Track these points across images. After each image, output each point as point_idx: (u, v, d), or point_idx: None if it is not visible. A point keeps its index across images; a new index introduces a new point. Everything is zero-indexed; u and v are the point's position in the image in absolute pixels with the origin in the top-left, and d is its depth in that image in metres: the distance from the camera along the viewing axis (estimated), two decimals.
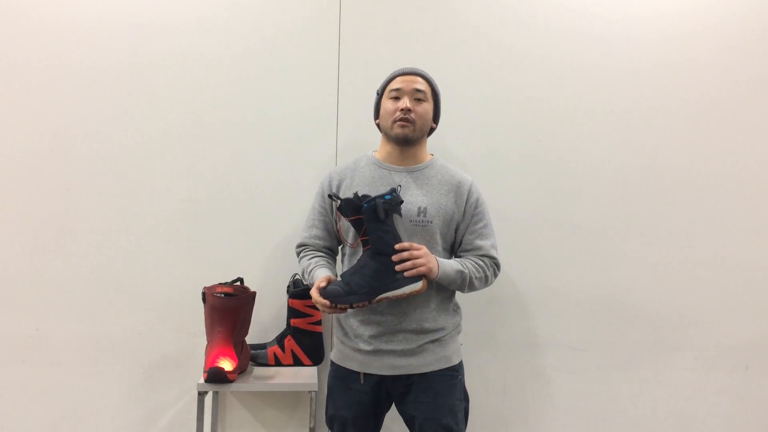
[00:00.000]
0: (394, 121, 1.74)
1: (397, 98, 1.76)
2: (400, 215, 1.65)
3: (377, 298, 1.62)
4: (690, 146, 2.27)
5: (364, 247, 1.64)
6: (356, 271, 1.63)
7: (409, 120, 1.73)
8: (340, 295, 1.61)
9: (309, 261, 1.80)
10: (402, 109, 1.73)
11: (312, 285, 1.69)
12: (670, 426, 2.25)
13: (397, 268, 1.59)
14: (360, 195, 1.64)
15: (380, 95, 1.82)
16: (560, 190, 2.24)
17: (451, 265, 1.69)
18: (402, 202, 1.65)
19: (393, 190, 1.63)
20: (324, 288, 1.62)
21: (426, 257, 1.62)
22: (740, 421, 2.26)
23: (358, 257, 1.70)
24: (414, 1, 2.24)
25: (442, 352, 1.74)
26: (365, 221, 1.60)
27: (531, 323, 2.24)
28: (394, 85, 1.78)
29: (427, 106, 1.77)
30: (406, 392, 1.74)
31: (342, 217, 1.67)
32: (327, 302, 1.60)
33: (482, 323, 2.20)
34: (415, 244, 1.63)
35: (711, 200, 2.27)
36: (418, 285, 1.63)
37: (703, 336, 2.26)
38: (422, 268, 1.60)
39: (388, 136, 1.79)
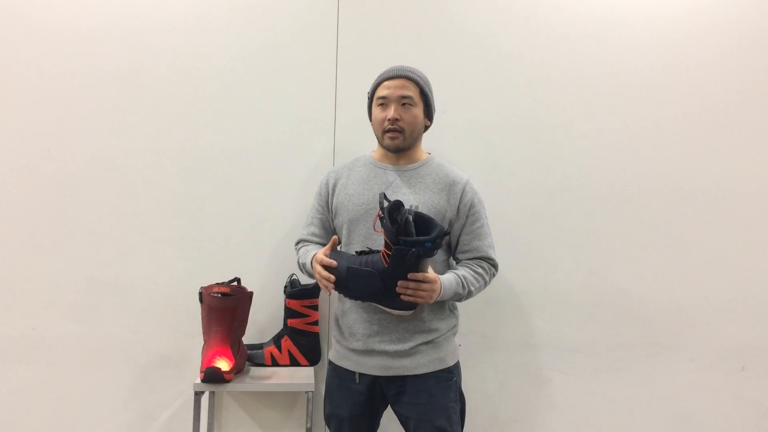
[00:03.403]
0: (384, 131, 1.74)
1: (384, 105, 1.74)
2: (432, 256, 1.58)
3: (366, 302, 1.68)
4: (686, 148, 2.28)
5: (383, 256, 1.58)
6: (360, 274, 1.61)
7: (398, 129, 1.73)
8: (336, 281, 1.64)
9: (306, 248, 1.84)
10: (389, 119, 1.72)
11: (309, 263, 1.74)
12: (666, 427, 2.25)
13: (398, 289, 1.58)
14: (408, 214, 1.50)
15: (371, 99, 1.81)
16: (557, 192, 2.24)
17: (451, 287, 1.68)
18: (440, 247, 1.58)
19: (440, 234, 1.52)
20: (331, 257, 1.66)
21: (430, 293, 1.61)
22: (736, 423, 2.27)
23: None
24: (412, 3, 2.24)
25: (436, 353, 1.74)
26: (393, 255, 1.53)
27: (528, 324, 2.24)
28: (380, 91, 1.75)
29: (416, 111, 1.75)
30: (400, 393, 1.74)
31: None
32: (331, 277, 1.63)
33: (479, 324, 2.21)
34: (430, 276, 1.60)
35: (707, 202, 2.27)
36: (407, 313, 1.66)
37: (699, 337, 2.26)
38: (419, 300, 1.61)
39: (381, 144, 1.80)
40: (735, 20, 2.29)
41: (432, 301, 1.64)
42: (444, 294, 1.66)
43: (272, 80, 2.19)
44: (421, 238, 1.50)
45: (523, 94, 2.25)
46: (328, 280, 1.64)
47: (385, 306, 1.65)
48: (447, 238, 1.77)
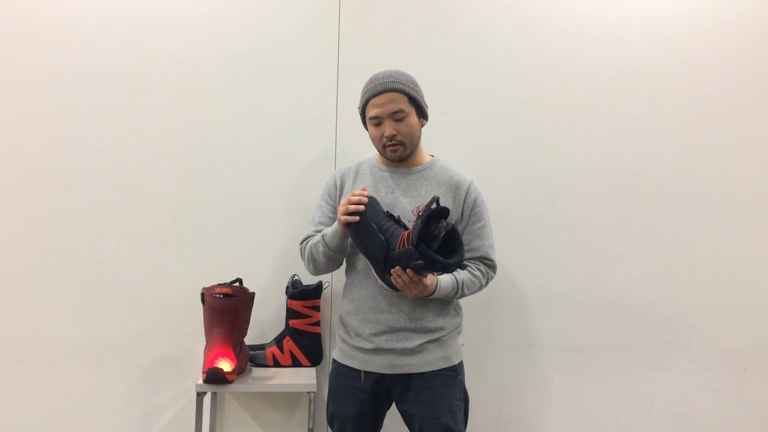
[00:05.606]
0: (384, 146, 1.76)
1: (378, 123, 1.74)
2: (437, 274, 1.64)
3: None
4: (688, 148, 2.28)
5: (402, 238, 1.57)
6: (373, 234, 1.58)
7: (398, 143, 1.74)
8: (358, 221, 1.62)
9: (317, 235, 1.80)
10: (387, 136, 1.72)
11: (321, 238, 1.73)
12: (667, 427, 2.25)
13: (392, 273, 1.59)
14: (444, 229, 1.49)
15: (362, 113, 1.80)
16: (559, 192, 2.25)
17: (446, 289, 1.69)
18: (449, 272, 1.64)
19: (456, 264, 1.54)
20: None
21: (418, 294, 1.63)
22: (738, 423, 2.27)
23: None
24: (413, 3, 2.25)
25: (442, 352, 1.75)
26: (404, 251, 1.52)
27: (530, 325, 2.24)
28: (371, 110, 1.73)
29: (411, 120, 1.74)
30: (405, 391, 1.74)
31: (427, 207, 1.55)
32: (360, 207, 1.62)
33: (481, 324, 2.21)
34: (426, 281, 1.61)
35: (709, 203, 2.27)
36: (393, 291, 1.69)
37: (700, 338, 2.26)
38: (405, 292, 1.62)
39: (383, 156, 1.81)
40: (735, 18, 2.29)
41: (418, 296, 1.66)
42: (437, 294, 1.68)
43: (274, 81, 2.19)
44: (438, 258, 1.49)
45: (524, 93, 2.25)
46: (354, 212, 1.63)
47: (377, 274, 1.67)
48: None
